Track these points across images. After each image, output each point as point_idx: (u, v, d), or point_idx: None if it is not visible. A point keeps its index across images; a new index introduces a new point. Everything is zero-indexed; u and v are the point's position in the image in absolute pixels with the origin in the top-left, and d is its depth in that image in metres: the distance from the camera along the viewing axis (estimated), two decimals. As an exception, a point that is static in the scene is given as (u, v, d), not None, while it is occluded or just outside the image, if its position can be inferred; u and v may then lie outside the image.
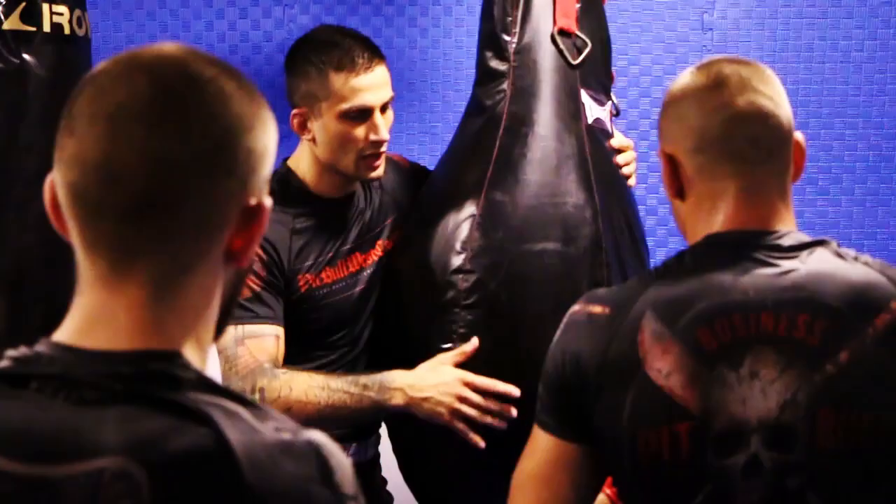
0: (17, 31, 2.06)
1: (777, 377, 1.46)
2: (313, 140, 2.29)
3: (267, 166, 1.05)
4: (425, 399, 2.14)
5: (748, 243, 1.54)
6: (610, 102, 2.41)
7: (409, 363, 2.23)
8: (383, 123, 2.26)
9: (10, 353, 0.99)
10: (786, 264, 1.52)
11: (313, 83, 2.24)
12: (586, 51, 2.31)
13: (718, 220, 1.57)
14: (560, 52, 2.28)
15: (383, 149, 2.28)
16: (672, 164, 1.62)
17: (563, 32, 2.29)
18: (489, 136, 2.28)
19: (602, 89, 2.38)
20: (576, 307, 1.62)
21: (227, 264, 1.04)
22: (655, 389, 1.48)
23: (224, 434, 0.92)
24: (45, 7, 2.09)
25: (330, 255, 2.33)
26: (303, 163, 2.35)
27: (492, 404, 2.13)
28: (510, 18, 2.31)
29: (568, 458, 1.59)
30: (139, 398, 0.94)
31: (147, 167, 0.96)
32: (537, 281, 2.15)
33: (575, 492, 1.60)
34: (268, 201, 1.05)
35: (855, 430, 1.44)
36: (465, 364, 2.16)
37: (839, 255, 1.55)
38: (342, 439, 2.39)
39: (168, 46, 1.04)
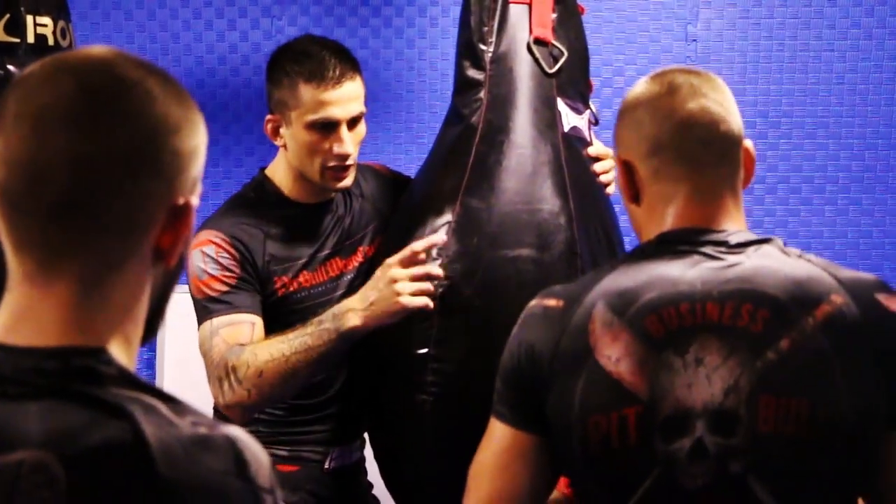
0: (1, 43, 2.09)
1: (721, 363, 1.50)
2: (285, 146, 2.33)
3: (195, 167, 1.07)
4: (372, 304, 2.16)
5: (697, 240, 1.60)
6: (588, 111, 2.43)
7: (385, 367, 2.25)
8: (349, 138, 2.28)
9: None
10: (732, 259, 1.57)
11: (285, 92, 2.28)
12: (562, 60, 2.33)
13: (670, 219, 1.63)
14: (536, 61, 2.31)
15: (349, 161, 2.31)
16: (628, 169, 1.67)
17: (539, 42, 2.32)
18: (466, 144, 2.29)
19: (580, 98, 2.40)
20: (533, 302, 1.66)
21: (155, 263, 1.05)
22: (605, 375, 1.53)
23: (140, 427, 0.94)
24: (30, 19, 2.12)
25: (305, 259, 2.36)
26: (279, 170, 2.39)
27: (420, 269, 2.16)
28: (486, 28, 2.33)
29: (523, 448, 1.63)
30: (61, 393, 0.96)
31: (70, 167, 0.98)
32: (512, 287, 2.15)
33: (530, 482, 1.64)
34: (195, 201, 1.07)
35: (794, 416, 1.48)
36: (440, 364, 2.19)
37: (784, 252, 1.60)
38: (326, 443, 2.43)
39: (97, 49, 1.05)
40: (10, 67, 2.08)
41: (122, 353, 1.03)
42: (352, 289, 2.37)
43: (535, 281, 2.11)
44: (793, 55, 3.78)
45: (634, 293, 1.56)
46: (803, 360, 1.50)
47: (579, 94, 2.41)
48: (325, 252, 2.40)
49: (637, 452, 1.51)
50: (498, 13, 2.32)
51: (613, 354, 1.53)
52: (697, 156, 1.62)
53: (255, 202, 2.38)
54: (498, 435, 1.65)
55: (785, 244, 1.62)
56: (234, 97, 3.75)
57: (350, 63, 2.30)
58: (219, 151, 3.70)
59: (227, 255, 2.27)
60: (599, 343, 1.55)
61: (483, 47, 2.33)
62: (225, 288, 2.25)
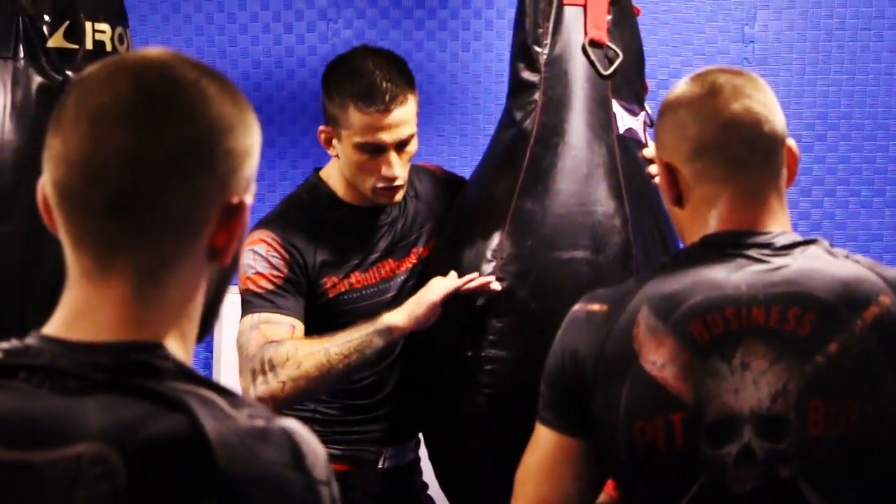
0: (61, 49, 2.12)
1: (768, 368, 1.49)
2: (338, 156, 2.35)
3: (249, 166, 1.08)
4: (418, 304, 2.22)
5: (742, 242, 1.59)
6: (643, 112, 2.42)
7: (440, 371, 2.26)
8: (397, 161, 2.29)
9: (2, 345, 1.03)
10: (777, 261, 1.56)
11: (336, 109, 2.30)
12: (617, 62, 2.32)
13: (714, 222, 1.62)
14: (591, 63, 2.30)
15: (397, 183, 2.31)
16: (670, 172, 1.67)
17: (595, 43, 2.31)
18: (520, 146, 2.30)
19: (635, 100, 2.40)
20: (576, 307, 1.66)
21: (210, 261, 1.06)
22: (650, 381, 1.52)
23: (199, 421, 0.94)
24: (88, 25, 2.14)
25: (357, 261, 2.38)
26: (333, 174, 2.41)
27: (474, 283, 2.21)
28: (541, 30, 2.33)
29: (569, 453, 1.63)
30: (119, 387, 0.97)
31: (126, 165, 0.99)
32: (566, 289, 2.14)
33: (576, 486, 1.64)
34: (249, 200, 1.08)
35: (844, 420, 1.48)
36: (495, 366, 2.19)
37: (830, 253, 1.59)
38: (380, 442, 2.44)
39: (153, 50, 1.07)
40: (69, 73, 2.11)
41: (179, 348, 1.05)
42: (404, 290, 2.38)
43: (589, 283, 2.11)
44: (853, 56, 3.72)
45: (679, 297, 1.55)
46: (852, 364, 1.49)
47: (634, 95, 2.40)
48: (377, 254, 2.41)
49: (684, 457, 1.51)
50: (553, 15, 2.32)
51: (658, 360, 1.53)
52: (742, 157, 1.61)
53: (308, 204, 2.40)
54: (544, 440, 1.66)
55: (832, 244, 1.60)
56: (290, 100, 3.77)
57: (402, 83, 2.28)
58: (274, 153, 3.72)
59: (276, 255, 2.29)
60: (644, 348, 1.54)
61: (538, 49, 2.33)
62: (271, 286, 2.28)
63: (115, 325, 1.01)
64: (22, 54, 2.09)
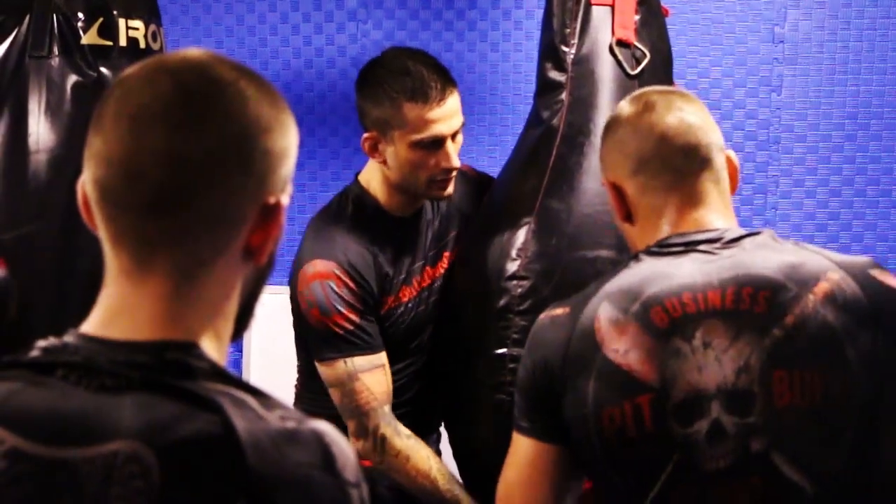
0: (94, 46, 2.12)
1: (729, 345, 1.55)
2: (384, 162, 2.32)
3: (286, 167, 1.09)
4: None
5: (691, 240, 1.66)
6: None
7: (465, 367, 2.27)
8: (454, 151, 2.30)
9: (41, 343, 1.04)
10: (726, 252, 1.63)
11: (386, 111, 2.26)
12: (645, 62, 2.33)
13: (665, 229, 1.69)
14: (618, 62, 2.31)
15: (454, 173, 2.32)
16: (616, 190, 1.75)
17: (622, 43, 2.32)
18: (547, 145, 2.30)
19: None
20: (541, 315, 1.73)
21: (245, 261, 1.07)
22: (615, 368, 1.58)
23: (231, 421, 0.95)
24: (122, 22, 2.15)
25: (403, 275, 2.39)
26: (374, 181, 2.39)
27: None
28: (568, 30, 2.33)
29: (547, 460, 1.68)
30: (154, 386, 0.98)
31: (165, 165, 1.00)
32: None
33: (556, 493, 1.68)
34: (286, 200, 1.09)
35: (809, 390, 1.53)
36: (519, 364, 2.19)
37: (776, 241, 1.66)
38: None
39: (193, 51, 1.08)
40: (104, 70, 2.12)
41: (213, 348, 1.06)
42: (440, 294, 2.41)
43: None
44: (883, 56, 3.71)
45: (636, 289, 1.62)
46: (810, 335, 1.55)
47: None
48: (420, 262, 2.43)
49: (655, 438, 1.55)
50: (581, 15, 2.32)
51: (621, 347, 1.58)
52: (680, 165, 1.69)
53: (355, 216, 2.38)
54: (522, 450, 1.70)
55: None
56: (320, 100, 3.79)
57: (447, 76, 2.30)
58: (304, 154, 3.71)
59: (348, 290, 2.28)
60: (606, 339, 1.60)
61: (565, 49, 2.33)
62: (351, 326, 2.28)
63: (151, 324, 1.03)
64: (56, 52, 2.11)
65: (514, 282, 2.19)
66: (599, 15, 2.33)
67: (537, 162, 2.31)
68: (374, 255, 2.33)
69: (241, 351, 3.79)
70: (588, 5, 2.33)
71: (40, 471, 0.96)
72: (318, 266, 2.28)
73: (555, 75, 2.35)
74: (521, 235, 2.24)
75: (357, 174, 2.45)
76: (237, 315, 1.10)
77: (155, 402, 0.97)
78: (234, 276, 1.07)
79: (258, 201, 1.06)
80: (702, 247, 1.65)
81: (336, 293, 2.26)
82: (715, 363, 1.55)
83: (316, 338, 2.31)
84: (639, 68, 2.32)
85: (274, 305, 3.67)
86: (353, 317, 2.27)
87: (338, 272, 2.27)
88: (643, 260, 1.67)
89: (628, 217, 1.75)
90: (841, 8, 3.71)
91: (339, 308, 2.26)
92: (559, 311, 1.68)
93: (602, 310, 1.62)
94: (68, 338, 1.04)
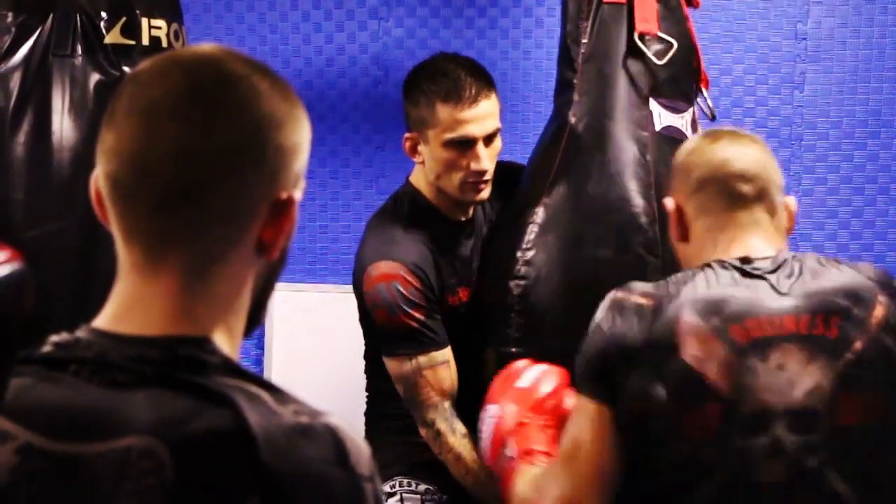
0: (117, 45, 2.14)
1: (802, 369, 1.66)
2: (423, 163, 2.39)
3: (298, 162, 1.09)
4: None
5: (759, 266, 1.76)
6: (691, 110, 2.41)
7: (477, 364, 2.32)
8: (486, 154, 2.33)
9: (54, 338, 1.05)
10: (794, 279, 1.73)
11: (422, 111, 2.34)
12: (672, 51, 2.33)
13: (719, 250, 1.80)
14: (642, 55, 2.30)
15: (486, 177, 2.36)
16: (677, 211, 1.86)
17: (645, 36, 2.31)
18: (556, 144, 2.33)
19: (681, 97, 2.39)
20: (620, 293, 1.79)
21: (258, 256, 1.07)
22: (690, 372, 1.66)
23: (244, 416, 0.95)
24: (145, 21, 2.16)
25: (463, 274, 2.45)
26: (421, 183, 2.46)
27: None
28: (580, 28, 2.35)
29: (609, 419, 1.75)
30: (167, 381, 0.98)
31: (177, 159, 1.01)
32: (589, 288, 2.13)
33: (614, 449, 1.75)
34: (298, 196, 1.08)
35: (871, 410, 1.67)
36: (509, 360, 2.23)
37: (822, 264, 1.77)
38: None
39: (206, 46, 1.09)
40: (126, 70, 2.13)
41: (226, 343, 1.05)
42: None
43: (611, 282, 2.12)
44: (907, 53, 3.69)
45: (718, 304, 1.71)
46: (874, 358, 1.68)
47: (681, 93, 2.39)
48: (475, 262, 2.48)
49: (715, 445, 1.65)
50: (592, 14, 2.33)
51: (699, 355, 1.66)
52: (739, 191, 1.81)
53: (411, 216, 2.44)
54: (585, 411, 1.77)
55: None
56: (341, 98, 3.79)
57: (485, 80, 2.36)
58: (326, 151, 3.74)
59: (414, 289, 2.34)
60: (685, 344, 1.67)
61: (576, 48, 2.34)
62: (416, 325, 2.34)
63: (163, 319, 1.03)
64: (80, 51, 2.12)
65: (515, 281, 2.24)
66: (611, 14, 2.33)
67: (546, 160, 2.34)
68: (433, 253, 2.39)
69: (262, 349, 3.80)
70: (600, 3, 2.33)
71: (53, 466, 0.96)
72: (383, 267, 2.35)
73: (567, 73, 2.37)
74: (525, 235, 2.27)
75: (408, 176, 2.51)
76: (249, 310, 1.10)
77: (168, 398, 0.97)
78: (246, 271, 1.07)
79: (270, 197, 1.05)
80: (771, 272, 1.74)
81: (402, 293, 2.33)
82: (787, 385, 1.65)
83: (382, 335, 2.39)
84: (666, 58, 2.31)
85: (296, 303, 3.70)
86: (418, 315, 2.33)
87: (402, 272, 2.34)
88: (717, 274, 1.75)
89: (684, 236, 1.87)
90: (864, 4, 3.68)
91: (405, 308, 2.33)
92: (644, 301, 1.75)
93: (685, 314, 1.70)
94: (81, 333, 1.04)
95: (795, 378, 1.65)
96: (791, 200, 1.87)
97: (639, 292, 1.78)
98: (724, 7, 3.70)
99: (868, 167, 3.69)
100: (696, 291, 1.73)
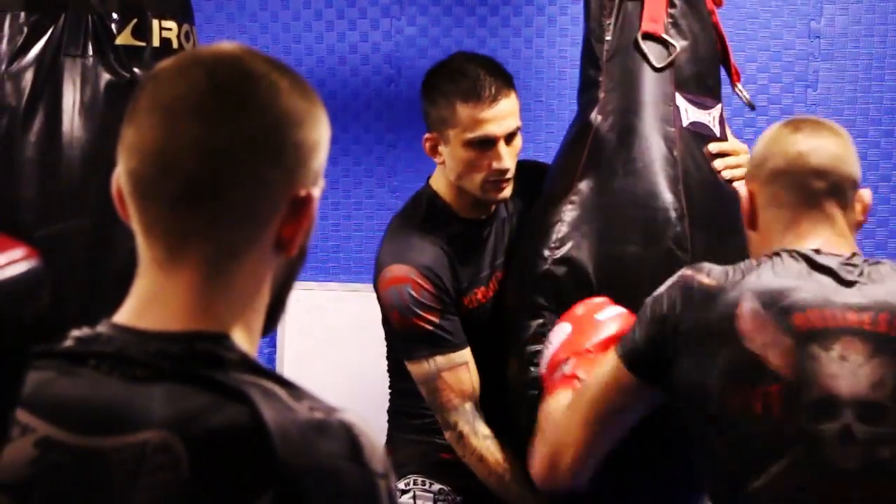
0: (128, 47, 2.14)
1: (865, 362, 1.68)
2: (444, 163, 2.39)
3: (317, 160, 1.09)
4: None
5: (826, 260, 1.78)
6: (718, 106, 2.40)
7: (504, 362, 2.31)
8: (506, 153, 2.33)
9: (75, 332, 1.06)
10: (864, 278, 1.76)
11: (442, 111, 2.34)
12: (673, 54, 2.32)
13: (786, 241, 1.82)
14: (643, 56, 2.30)
15: (507, 175, 2.35)
16: (750, 196, 1.88)
17: (649, 36, 2.31)
18: (581, 141, 2.31)
19: (708, 93, 2.38)
20: (688, 272, 1.84)
21: (277, 253, 1.08)
22: (750, 356, 1.71)
23: (259, 412, 0.96)
24: (155, 23, 2.16)
25: (482, 273, 2.44)
26: (441, 184, 2.45)
27: None
28: (603, 26, 2.34)
29: (625, 383, 1.83)
30: (185, 376, 0.99)
31: (197, 156, 1.01)
32: (619, 284, 2.18)
33: (614, 415, 1.85)
34: (317, 193, 1.09)
35: None
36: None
37: (893, 269, 1.79)
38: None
39: (227, 45, 1.10)
40: (137, 70, 2.13)
41: (244, 340, 1.06)
42: None
43: (641, 278, 2.14)
44: (921, 51, 3.67)
45: (780, 292, 1.73)
46: None
47: (707, 88, 2.38)
48: (500, 260, 2.47)
49: (779, 425, 1.69)
50: (615, 11, 2.32)
51: (759, 339, 1.70)
52: (811, 185, 1.82)
53: (428, 218, 2.44)
54: (610, 367, 1.85)
55: None
56: (353, 97, 3.80)
57: (504, 80, 2.35)
58: (338, 150, 3.74)
59: (426, 292, 2.34)
60: (745, 329, 1.71)
61: (599, 45, 2.34)
62: (430, 328, 2.33)
63: (182, 315, 1.03)
64: (91, 52, 2.12)
65: (545, 279, 2.22)
66: (634, 9, 2.33)
67: (573, 158, 2.33)
68: (448, 255, 2.39)
69: (274, 346, 3.81)
70: (622, 0, 2.32)
71: (71, 459, 0.98)
72: (395, 271, 2.35)
73: (591, 71, 2.36)
74: (552, 233, 2.26)
75: (429, 177, 2.51)
76: (268, 307, 1.11)
77: (185, 393, 0.98)
78: (265, 268, 1.08)
79: (289, 194, 1.06)
80: (838, 268, 1.77)
81: (413, 297, 2.33)
82: (850, 375, 1.68)
83: (400, 338, 2.40)
84: (665, 61, 2.30)
85: (308, 301, 3.70)
86: (432, 318, 2.33)
87: (413, 276, 2.34)
88: (783, 265, 1.77)
89: (753, 223, 1.88)
90: (878, 2, 3.67)
91: (418, 311, 2.33)
92: (708, 280, 1.79)
93: (746, 300, 1.73)
94: (101, 328, 1.05)
95: (858, 370, 1.68)
96: (865, 193, 1.88)
97: (706, 272, 1.82)
98: (738, 5, 3.69)
99: (882, 165, 3.67)
100: (760, 279, 1.76)
